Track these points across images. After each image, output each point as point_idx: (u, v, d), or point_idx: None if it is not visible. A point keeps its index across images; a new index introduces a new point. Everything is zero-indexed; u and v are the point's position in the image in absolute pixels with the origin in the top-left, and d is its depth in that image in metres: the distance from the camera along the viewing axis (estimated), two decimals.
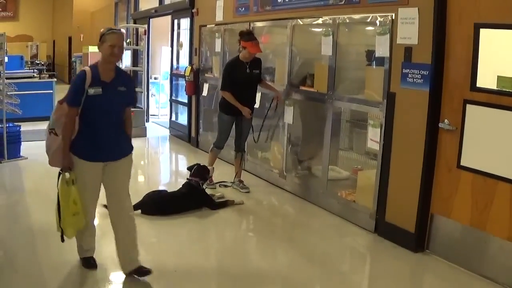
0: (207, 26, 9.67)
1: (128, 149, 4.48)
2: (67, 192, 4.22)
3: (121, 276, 4.51)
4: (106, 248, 5.09)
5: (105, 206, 5.98)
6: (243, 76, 6.84)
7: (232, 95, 6.84)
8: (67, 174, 4.22)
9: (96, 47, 4.32)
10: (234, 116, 7.03)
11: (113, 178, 4.40)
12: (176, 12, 11.35)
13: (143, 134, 11.26)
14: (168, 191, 6.51)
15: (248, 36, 6.81)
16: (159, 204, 6.09)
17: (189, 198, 6.29)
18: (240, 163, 7.37)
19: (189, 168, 6.73)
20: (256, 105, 7.23)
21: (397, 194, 5.35)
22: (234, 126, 7.17)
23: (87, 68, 4.20)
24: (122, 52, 4.26)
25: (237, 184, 7.21)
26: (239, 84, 6.85)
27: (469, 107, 4.58)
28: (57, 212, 4.28)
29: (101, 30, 4.28)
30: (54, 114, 4.34)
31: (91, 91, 4.10)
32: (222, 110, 7.10)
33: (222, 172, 7.56)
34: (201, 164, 6.76)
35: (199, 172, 6.58)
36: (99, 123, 4.23)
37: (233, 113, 6.97)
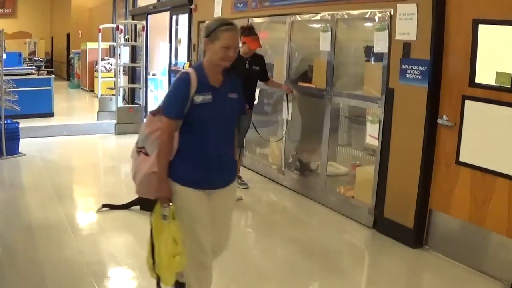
0: (205, 22, 9.65)
1: (235, 173, 3.69)
2: (165, 229, 3.30)
3: (119, 272, 4.52)
4: (104, 244, 5.11)
5: (106, 205, 6.07)
6: (242, 72, 6.80)
7: None
8: (164, 207, 3.32)
9: (203, 44, 3.40)
10: None
11: (218, 210, 3.49)
12: (175, 8, 11.34)
13: None
14: None
15: (248, 31, 6.77)
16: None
17: None
18: (238, 159, 7.36)
19: None
20: (255, 102, 7.23)
21: (395, 190, 5.35)
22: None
23: (190, 70, 3.30)
24: (236, 54, 3.33)
25: None
26: None
27: (467, 103, 4.58)
28: (151, 253, 3.36)
29: (208, 22, 3.37)
30: (145, 128, 3.44)
31: (199, 98, 3.23)
32: None
33: None
34: None
35: None
36: (208, 139, 3.31)
37: None
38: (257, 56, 6.92)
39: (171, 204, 3.31)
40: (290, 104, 7.12)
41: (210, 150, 3.31)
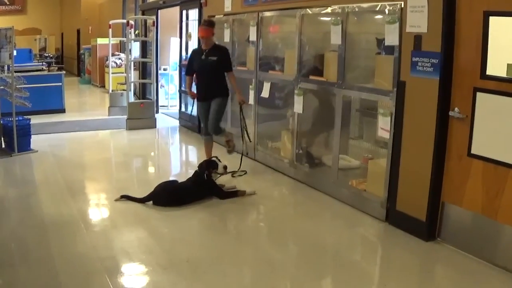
0: (216, 16, 9.65)
1: None
2: None
3: (132, 268, 4.54)
4: (117, 240, 5.13)
5: (124, 196, 6.10)
6: (198, 63, 7.26)
7: (190, 81, 7.44)
8: None
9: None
10: (200, 102, 7.43)
11: None
12: (185, 3, 11.34)
13: (152, 125, 11.31)
14: (179, 181, 6.52)
15: (202, 22, 7.39)
16: (173, 195, 6.12)
17: (199, 187, 6.31)
18: (211, 147, 7.68)
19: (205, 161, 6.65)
20: (266, 95, 7.27)
21: (408, 183, 5.34)
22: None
23: None
24: None
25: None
26: (196, 70, 7.30)
27: (479, 95, 4.56)
28: None
29: None
30: None
31: None
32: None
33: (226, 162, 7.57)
34: (211, 159, 6.65)
35: (204, 167, 6.49)
36: None
37: (198, 99, 7.43)
38: (218, 47, 7.35)
39: None
40: (241, 112, 7.41)
41: None
